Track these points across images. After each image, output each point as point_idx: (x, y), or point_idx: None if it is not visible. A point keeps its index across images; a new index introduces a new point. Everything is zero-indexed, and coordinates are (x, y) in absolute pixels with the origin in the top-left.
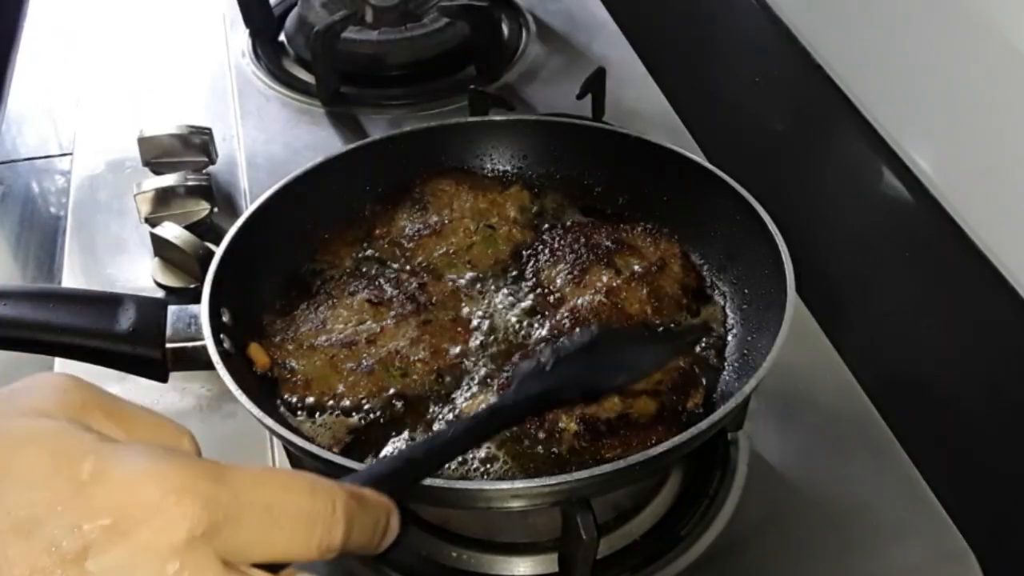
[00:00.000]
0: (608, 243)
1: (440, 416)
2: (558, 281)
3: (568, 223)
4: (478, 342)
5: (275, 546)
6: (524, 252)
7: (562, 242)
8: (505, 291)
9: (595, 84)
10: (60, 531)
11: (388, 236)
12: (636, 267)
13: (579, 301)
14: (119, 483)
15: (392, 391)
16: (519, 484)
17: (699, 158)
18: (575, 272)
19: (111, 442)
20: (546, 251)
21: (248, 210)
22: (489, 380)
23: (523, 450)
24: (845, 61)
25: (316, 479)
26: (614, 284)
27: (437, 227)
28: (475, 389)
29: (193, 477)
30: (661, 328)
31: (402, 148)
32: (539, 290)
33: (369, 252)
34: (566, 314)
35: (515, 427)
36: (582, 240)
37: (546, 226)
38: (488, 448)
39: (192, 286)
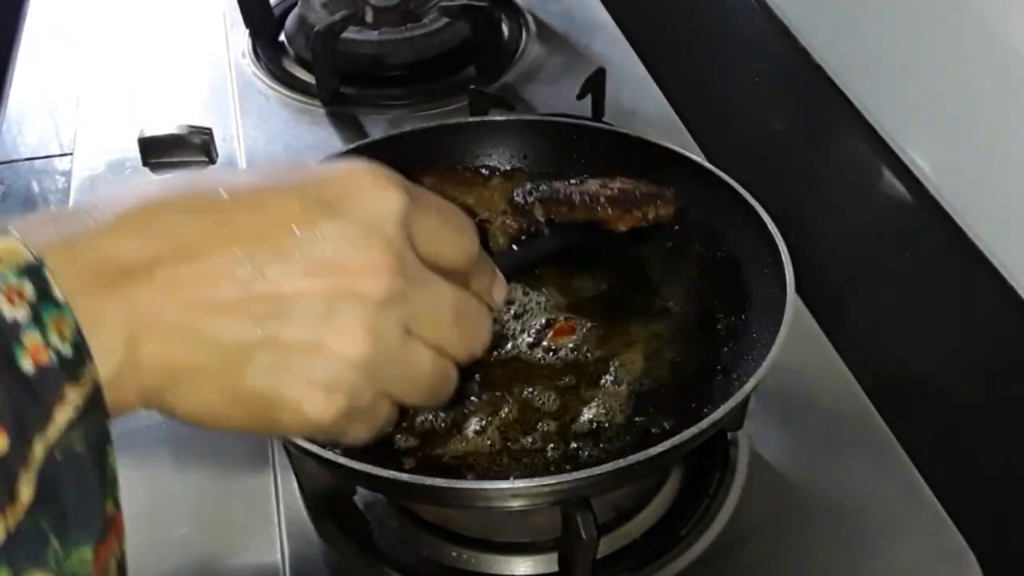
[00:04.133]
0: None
1: (440, 416)
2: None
3: None
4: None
5: (440, 244)
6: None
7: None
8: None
9: (595, 84)
10: (303, 197)
11: None
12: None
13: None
14: (342, 171)
15: None
16: (519, 484)
17: (699, 158)
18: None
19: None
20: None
21: None
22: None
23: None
24: (845, 61)
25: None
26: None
27: None
28: (475, 387)
29: (391, 172)
30: None
31: (402, 148)
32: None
33: None
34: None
35: None
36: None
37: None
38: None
39: None
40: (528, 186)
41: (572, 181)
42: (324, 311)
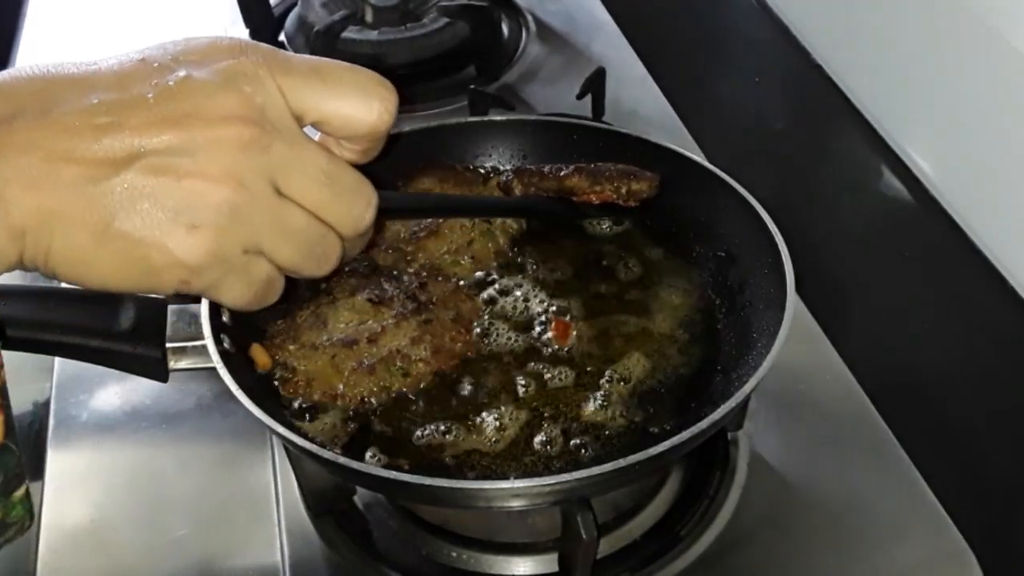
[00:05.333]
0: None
1: (441, 415)
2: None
3: None
4: (479, 341)
5: (321, 100)
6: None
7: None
8: (506, 287)
9: (595, 84)
10: (160, 55)
11: (384, 243)
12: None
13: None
14: (204, 40)
15: (393, 390)
16: (519, 484)
17: (699, 158)
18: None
19: None
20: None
21: None
22: (490, 378)
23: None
24: (845, 61)
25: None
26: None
27: (433, 227)
28: (476, 388)
29: (260, 46)
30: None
31: (402, 148)
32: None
33: (368, 262)
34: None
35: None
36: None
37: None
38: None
39: None
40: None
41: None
42: (183, 155)
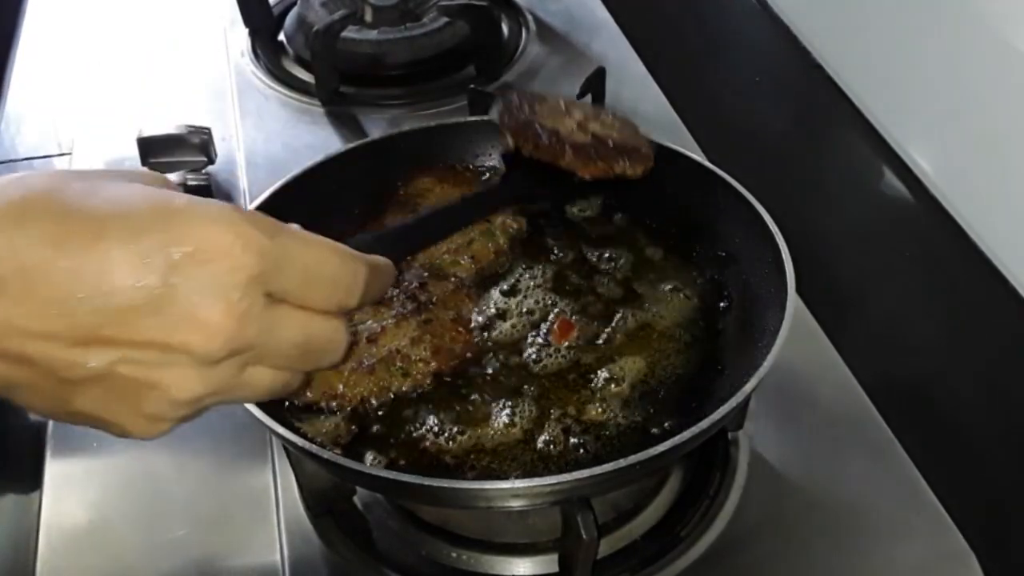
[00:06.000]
0: None
1: (441, 415)
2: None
3: None
4: (479, 341)
5: (305, 297)
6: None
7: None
8: (505, 288)
9: (595, 84)
10: (151, 248)
11: None
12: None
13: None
14: (200, 225)
15: (393, 390)
16: (519, 484)
17: (699, 157)
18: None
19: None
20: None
21: (248, 210)
22: (490, 378)
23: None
24: (845, 61)
25: (346, 251)
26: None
27: None
28: (476, 387)
29: (256, 232)
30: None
31: (401, 148)
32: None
33: None
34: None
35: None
36: None
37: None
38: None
39: None
40: (515, 101)
41: (562, 105)
42: (158, 361)
